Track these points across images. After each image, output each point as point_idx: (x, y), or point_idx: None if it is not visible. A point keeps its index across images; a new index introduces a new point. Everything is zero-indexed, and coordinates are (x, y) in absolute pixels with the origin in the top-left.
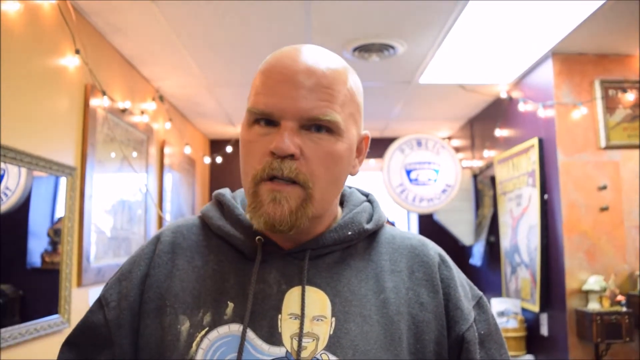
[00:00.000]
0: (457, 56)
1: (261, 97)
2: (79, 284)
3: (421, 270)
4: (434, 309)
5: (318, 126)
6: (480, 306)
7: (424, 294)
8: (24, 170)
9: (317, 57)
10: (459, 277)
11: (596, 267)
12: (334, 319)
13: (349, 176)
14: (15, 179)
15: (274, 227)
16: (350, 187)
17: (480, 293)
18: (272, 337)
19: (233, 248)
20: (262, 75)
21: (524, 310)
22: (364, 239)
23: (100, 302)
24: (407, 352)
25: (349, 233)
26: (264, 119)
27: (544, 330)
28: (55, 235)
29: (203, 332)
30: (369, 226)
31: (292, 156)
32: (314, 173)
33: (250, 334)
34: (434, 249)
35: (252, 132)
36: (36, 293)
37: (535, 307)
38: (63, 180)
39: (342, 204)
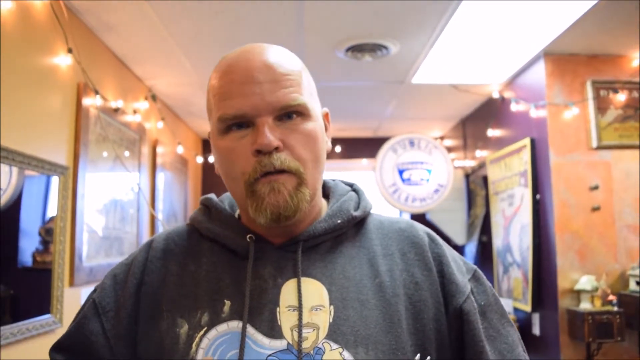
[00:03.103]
0: (449, 56)
1: (229, 103)
2: (71, 283)
3: (412, 251)
4: (429, 287)
5: (289, 113)
6: (476, 278)
7: (418, 273)
8: (15, 169)
9: (268, 50)
10: (450, 253)
11: (588, 266)
12: (332, 307)
13: (340, 173)
14: (7, 177)
15: (279, 216)
16: (334, 180)
17: (475, 266)
18: (272, 330)
19: (225, 249)
20: (220, 81)
21: (516, 309)
22: (352, 227)
23: (96, 309)
24: (407, 333)
25: (339, 221)
26: (235, 124)
27: (536, 330)
28: (46, 234)
29: (202, 332)
30: (357, 213)
31: (277, 149)
32: (300, 158)
33: (250, 329)
34: (422, 229)
35: (228, 139)
36: (28, 293)
37: (527, 307)
38: (55, 180)
39: (326, 196)
